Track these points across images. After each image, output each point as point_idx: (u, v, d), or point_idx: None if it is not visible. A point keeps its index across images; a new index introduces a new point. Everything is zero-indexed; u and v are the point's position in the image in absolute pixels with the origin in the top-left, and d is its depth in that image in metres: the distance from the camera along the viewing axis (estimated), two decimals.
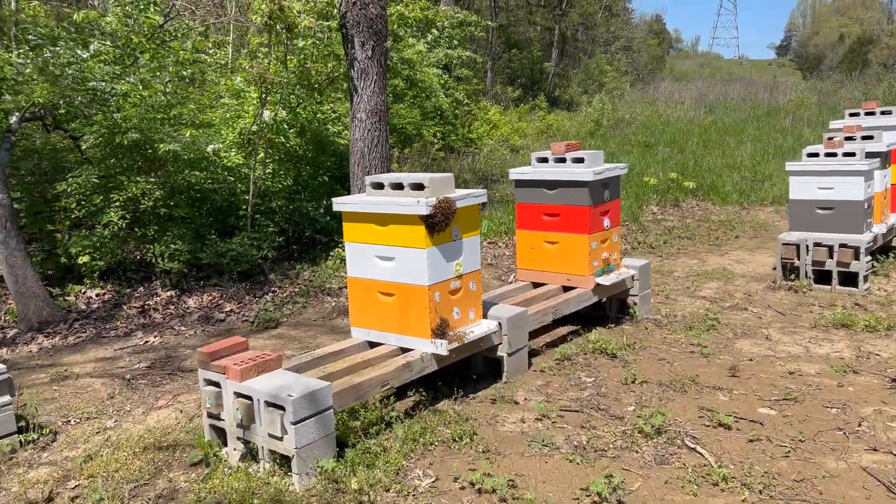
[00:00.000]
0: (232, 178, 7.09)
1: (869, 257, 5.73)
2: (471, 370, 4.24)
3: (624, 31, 34.77)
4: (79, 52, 6.14)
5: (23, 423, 3.69)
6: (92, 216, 6.42)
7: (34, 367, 4.81)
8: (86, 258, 6.06)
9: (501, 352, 4.12)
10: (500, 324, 4.07)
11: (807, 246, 5.81)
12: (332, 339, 5.04)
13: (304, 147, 7.83)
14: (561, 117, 18.79)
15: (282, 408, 3.00)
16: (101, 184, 6.40)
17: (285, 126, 7.44)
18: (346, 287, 5.18)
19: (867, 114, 7.10)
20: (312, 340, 5.10)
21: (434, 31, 11.20)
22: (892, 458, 3.13)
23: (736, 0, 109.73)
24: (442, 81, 11.11)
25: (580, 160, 4.78)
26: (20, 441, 3.57)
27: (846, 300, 5.50)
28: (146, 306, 5.97)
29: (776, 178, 11.15)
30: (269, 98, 7.05)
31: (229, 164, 7.13)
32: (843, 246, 5.67)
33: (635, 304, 5.24)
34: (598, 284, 4.86)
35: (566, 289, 4.93)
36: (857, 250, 5.61)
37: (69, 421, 3.87)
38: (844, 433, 3.38)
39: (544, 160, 4.96)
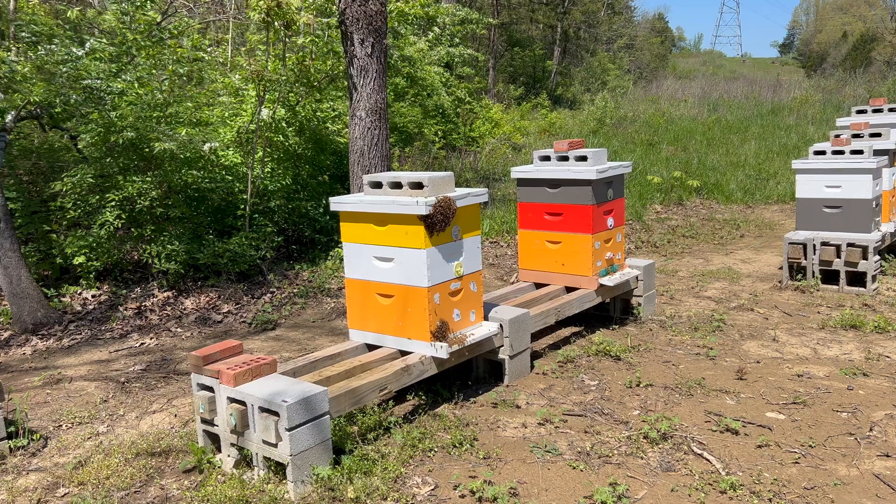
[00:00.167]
0: (230, 178, 7.00)
1: (877, 257, 5.63)
2: (471, 373, 4.15)
3: (626, 29, 34.64)
4: (74, 49, 6.05)
5: (13, 429, 3.60)
6: (88, 216, 6.34)
7: (27, 369, 4.73)
8: (81, 259, 5.98)
9: (503, 354, 4.03)
10: (501, 326, 3.98)
11: (814, 245, 5.71)
12: (330, 341, 4.96)
13: (304, 146, 7.74)
14: (563, 116, 18.69)
15: (276, 414, 2.91)
16: (96, 183, 6.32)
17: (284, 124, 7.35)
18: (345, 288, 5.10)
19: (875, 111, 7.00)
20: (311, 342, 5.02)
21: (436, 28, 11.11)
22: None
23: None
24: (444, 79, 11.02)
25: (583, 158, 4.68)
26: (9, 447, 3.48)
27: (854, 300, 5.40)
28: (142, 307, 5.89)
29: (781, 177, 11.06)
30: (267, 96, 6.96)
31: (227, 163, 7.05)
32: (850, 245, 5.57)
33: (639, 304, 5.14)
34: (601, 285, 4.76)
35: (569, 289, 4.84)
36: (865, 249, 5.51)
37: (61, 426, 3.78)
38: (856, 438, 3.28)
39: (546, 158, 4.87)
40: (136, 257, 6.73)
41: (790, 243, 5.79)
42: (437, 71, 10.43)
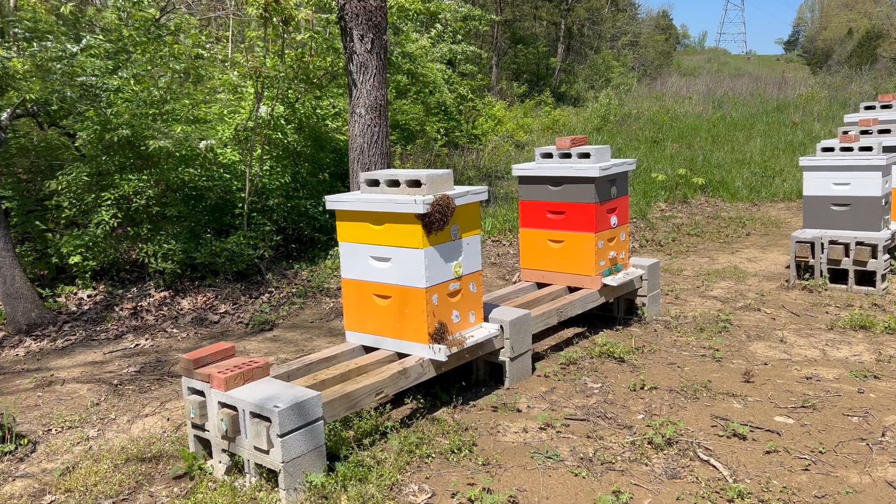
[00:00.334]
0: (228, 176, 6.91)
1: (887, 255, 5.52)
2: (471, 375, 4.05)
3: (630, 26, 34.47)
4: (69, 46, 5.96)
5: (1, 433, 3.52)
6: (84, 215, 6.25)
7: (19, 371, 4.64)
8: (77, 258, 5.89)
9: (503, 356, 3.93)
10: (501, 327, 3.88)
11: (822, 244, 5.59)
12: (328, 342, 4.86)
13: (303, 143, 7.64)
14: (567, 113, 18.56)
15: (268, 419, 2.81)
16: (92, 181, 6.23)
17: (283, 122, 7.25)
18: None
19: (883, 107, 6.88)
20: (308, 343, 4.93)
21: (438, 25, 11.00)
22: None
23: None
24: (446, 77, 10.91)
25: (586, 155, 4.58)
26: None
27: (863, 300, 5.29)
28: (138, 308, 5.80)
29: (787, 174, 10.93)
30: (265, 93, 6.87)
31: (225, 160, 6.95)
32: (859, 244, 5.45)
33: (644, 304, 5.03)
34: (605, 285, 4.66)
35: (572, 289, 4.74)
36: (874, 248, 5.40)
37: (50, 430, 3.70)
38: (867, 444, 3.18)
39: (549, 156, 4.76)
40: (132, 257, 6.64)
41: (797, 242, 5.68)
42: (439, 68, 10.32)
